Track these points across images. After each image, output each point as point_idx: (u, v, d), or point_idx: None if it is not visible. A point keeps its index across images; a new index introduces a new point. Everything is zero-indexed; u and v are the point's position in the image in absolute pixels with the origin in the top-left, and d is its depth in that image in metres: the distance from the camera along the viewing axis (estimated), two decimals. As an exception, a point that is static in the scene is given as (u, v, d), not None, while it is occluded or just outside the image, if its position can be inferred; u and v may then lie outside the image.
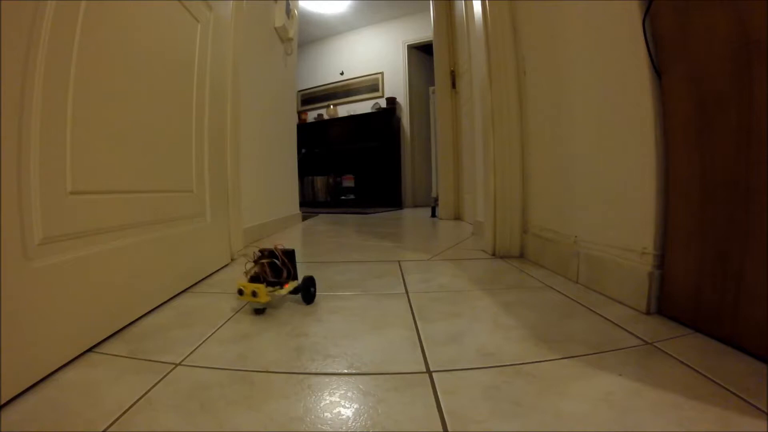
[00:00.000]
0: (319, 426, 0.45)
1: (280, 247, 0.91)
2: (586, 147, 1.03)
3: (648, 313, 0.78)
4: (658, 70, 0.77)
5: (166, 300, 0.92)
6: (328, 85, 5.34)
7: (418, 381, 0.54)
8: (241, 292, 0.80)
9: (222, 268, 1.30)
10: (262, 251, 0.90)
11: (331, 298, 0.95)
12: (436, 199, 3.20)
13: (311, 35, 5.16)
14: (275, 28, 2.28)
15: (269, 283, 0.84)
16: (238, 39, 1.49)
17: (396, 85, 4.88)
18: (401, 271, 1.22)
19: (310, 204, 4.97)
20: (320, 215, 3.69)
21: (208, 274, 1.18)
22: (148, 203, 0.86)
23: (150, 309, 0.85)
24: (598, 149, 0.98)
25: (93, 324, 0.67)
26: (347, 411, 0.47)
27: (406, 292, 0.98)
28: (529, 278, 1.12)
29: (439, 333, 0.71)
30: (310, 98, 5.48)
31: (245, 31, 1.65)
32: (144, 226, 0.84)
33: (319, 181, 5.09)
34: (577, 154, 1.08)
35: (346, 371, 0.58)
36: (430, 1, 3.11)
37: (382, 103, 4.85)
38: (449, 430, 0.43)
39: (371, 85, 5.03)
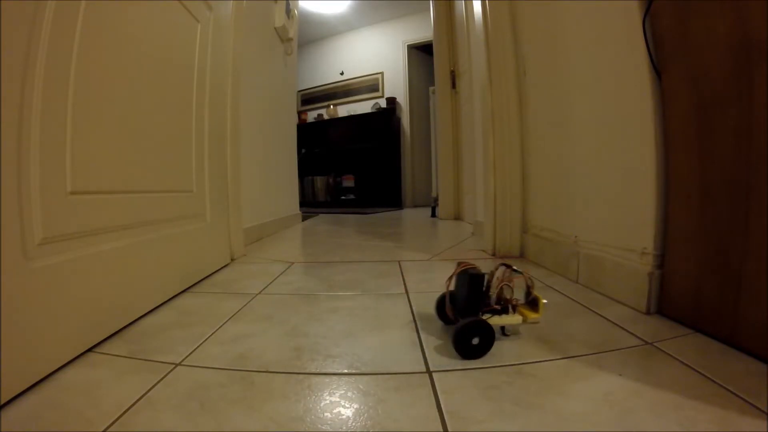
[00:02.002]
0: (319, 426, 0.45)
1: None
2: (586, 147, 1.03)
3: (648, 313, 0.78)
4: (658, 70, 0.77)
5: (166, 300, 0.92)
6: (328, 85, 5.34)
7: (418, 381, 0.54)
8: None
9: (222, 268, 1.30)
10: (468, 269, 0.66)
11: (332, 298, 0.95)
12: (436, 199, 3.20)
13: (311, 35, 5.16)
14: (275, 28, 2.28)
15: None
16: (238, 39, 1.49)
17: (396, 85, 4.87)
18: (401, 271, 1.22)
19: (310, 204, 4.97)
20: (320, 215, 3.69)
21: (208, 274, 1.18)
22: (148, 203, 0.86)
23: (150, 309, 0.85)
24: (598, 149, 0.98)
25: (93, 324, 0.67)
26: (347, 411, 0.47)
27: (406, 292, 0.98)
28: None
29: (439, 333, 0.71)
30: (310, 98, 5.48)
31: (245, 31, 1.65)
32: (144, 226, 0.84)
33: (319, 181, 5.08)
34: (577, 154, 1.08)
35: (346, 371, 0.58)
36: (430, 1, 3.11)
37: (382, 103, 4.85)
38: (449, 430, 0.43)
39: (371, 85, 5.03)
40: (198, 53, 1.14)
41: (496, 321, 0.64)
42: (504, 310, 0.65)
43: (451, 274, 0.68)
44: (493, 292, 0.65)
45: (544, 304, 0.65)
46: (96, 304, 0.68)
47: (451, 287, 0.68)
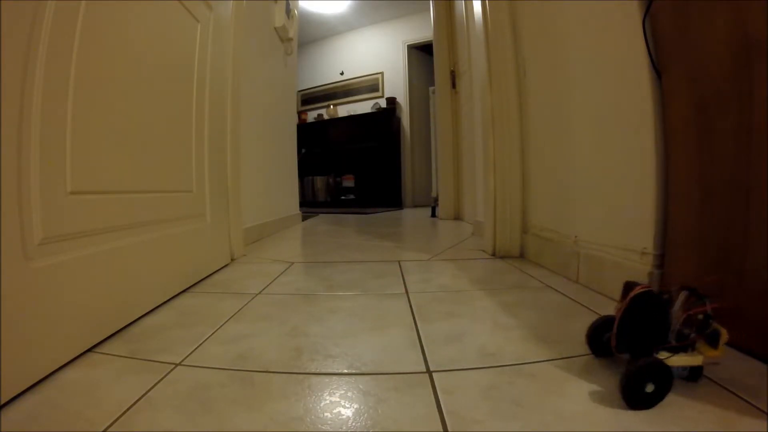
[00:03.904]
0: (319, 426, 0.45)
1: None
2: (586, 147, 1.03)
3: (648, 313, 0.78)
4: (658, 69, 0.77)
5: (166, 300, 0.92)
6: (328, 85, 5.34)
7: (418, 381, 0.54)
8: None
9: (222, 268, 1.30)
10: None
11: (332, 298, 0.95)
12: (436, 199, 3.20)
13: (311, 35, 5.16)
14: (275, 28, 2.28)
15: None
16: (238, 39, 1.49)
17: (396, 85, 4.88)
18: (401, 271, 1.22)
19: (310, 204, 4.97)
20: (320, 215, 3.69)
21: (208, 274, 1.18)
22: (148, 203, 0.86)
23: (150, 309, 0.85)
24: (598, 149, 0.98)
25: (93, 324, 0.67)
26: (347, 411, 0.47)
27: (406, 292, 0.98)
28: (529, 278, 1.12)
29: (439, 333, 0.71)
30: (310, 98, 5.48)
31: (245, 31, 1.65)
32: (144, 226, 0.84)
33: (319, 181, 5.08)
34: (577, 154, 1.08)
35: (346, 371, 0.58)
36: (430, 1, 3.11)
37: (382, 103, 4.85)
38: (449, 430, 0.43)
39: (371, 85, 5.03)
40: (198, 53, 1.14)
41: (674, 361, 0.50)
42: (683, 348, 0.50)
43: (627, 296, 0.53)
44: (675, 325, 0.50)
45: (726, 339, 0.49)
46: (96, 304, 0.68)
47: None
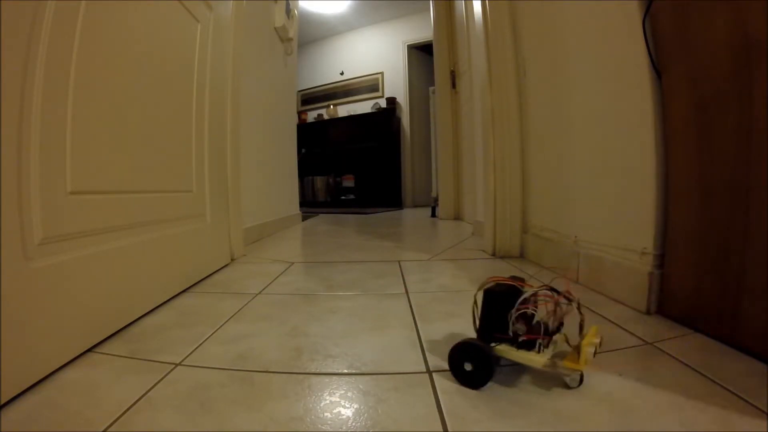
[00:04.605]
0: (319, 426, 0.45)
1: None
2: (586, 146, 1.03)
3: (648, 313, 0.78)
4: (658, 69, 0.77)
5: (166, 300, 0.92)
6: (328, 85, 5.34)
7: (418, 381, 0.54)
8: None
9: (222, 268, 1.30)
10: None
11: (332, 298, 0.95)
12: (436, 199, 3.20)
13: (311, 35, 5.16)
14: (275, 28, 2.28)
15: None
16: (238, 39, 1.49)
17: (396, 85, 4.87)
18: (401, 271, 1.22)
19: (310, 204, 4.97)
20: (320, 215, 3.69)
21: (208, 274, 1.18)
22: (148, 203, 0.86)
23: (150, 309, 0.85)
24: (598, 149, 0.98)
25: (93, 324, 0.67)
26: (347, 411, 0.47)
27: (406, 292, 0.98)
28: (529, 279, 1.12)
29: (439, 333, 0.71)
30: (310, 98, 5.48)
31: (245, 31, 1.65)
32: (144, 226, 0.84)
33: (319, 181, 5.08)
34: (577, 154, 1.08)
35: (346, 371, 0.58)
36: (430, 1, 3.11)
37: (382, 103, 4.85)
38: (449, 430, 0.43)
39: (371, 85, 5.03)
40: (198, 53, 1.14)
41: (503, 353, 0.52)
42: (529, 344, 0.51)
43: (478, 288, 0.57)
44: (511, 316, 0.52)
45: (590, 353, 0.49)
46: (96, 304, 0.68)
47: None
